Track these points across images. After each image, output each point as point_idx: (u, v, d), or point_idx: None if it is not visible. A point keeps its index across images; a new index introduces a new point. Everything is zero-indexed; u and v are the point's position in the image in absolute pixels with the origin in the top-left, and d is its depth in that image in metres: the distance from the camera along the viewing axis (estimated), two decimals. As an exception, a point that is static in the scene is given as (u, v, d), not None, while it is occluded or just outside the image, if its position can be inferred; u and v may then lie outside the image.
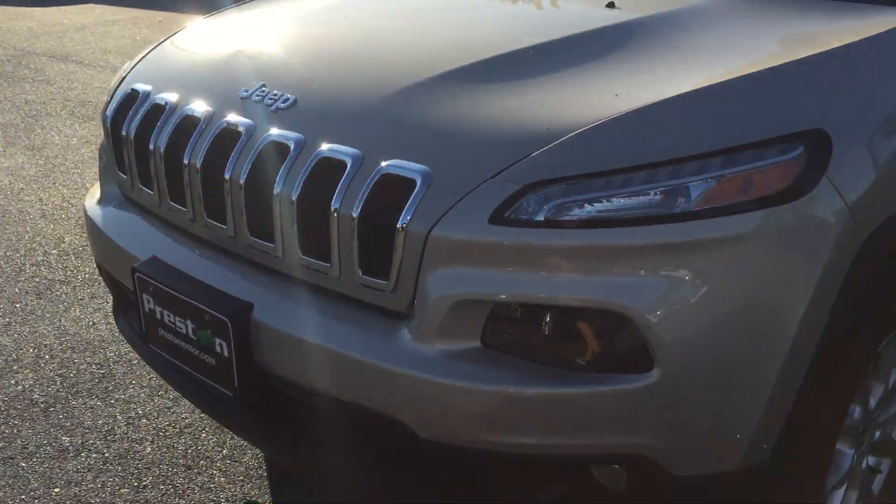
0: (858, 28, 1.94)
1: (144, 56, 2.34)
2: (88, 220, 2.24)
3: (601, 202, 1.47)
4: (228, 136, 1.81)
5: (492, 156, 1.54)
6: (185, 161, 1.86)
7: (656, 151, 1.51)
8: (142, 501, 2.24)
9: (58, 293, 3.35)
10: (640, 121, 1.56)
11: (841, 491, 1.93)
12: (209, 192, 1.84)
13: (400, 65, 1.93)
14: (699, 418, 1.54)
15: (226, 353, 1.74)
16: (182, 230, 1.98)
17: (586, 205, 1.46)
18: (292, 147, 1.69)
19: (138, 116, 2.03)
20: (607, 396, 1.48)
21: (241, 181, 1.74)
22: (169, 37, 2.45)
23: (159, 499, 2.25)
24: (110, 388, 2.74)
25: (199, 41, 2.39)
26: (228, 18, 2.55)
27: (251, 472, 2.35)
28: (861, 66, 1.80)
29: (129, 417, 2.59)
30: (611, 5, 2.15)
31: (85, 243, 3.70)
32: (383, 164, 1.58)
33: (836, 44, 1.81)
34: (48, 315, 3.18)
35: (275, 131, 1.74)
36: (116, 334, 2.95)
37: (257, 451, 2.43)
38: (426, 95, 1.73)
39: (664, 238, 1.45)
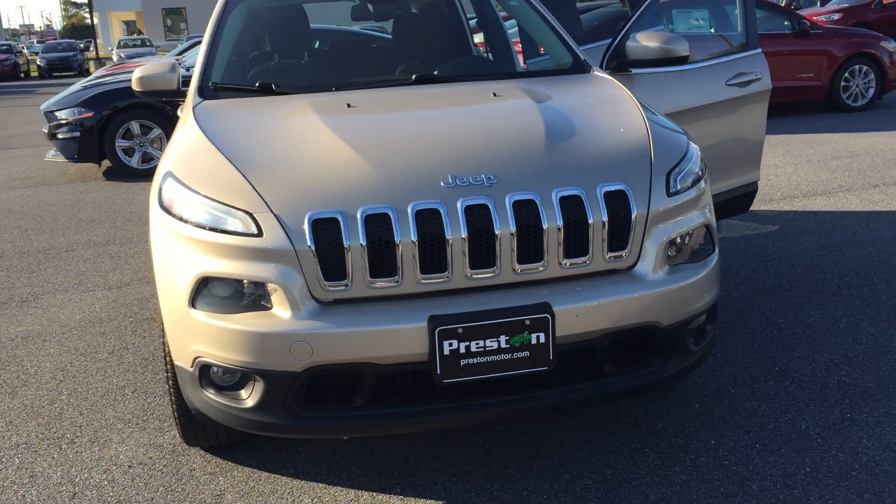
0: (600, 84, 3.70)
1: (281, 190, 2.68)
2: (314, 335, 2.54)
3: (687, 175, 2.95)
4: (475, 211, 2.57)
5: (637, 167, 2.84)
6: (448, 237, 2.55)
7: (675, 150, 3.03)
8: None
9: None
10: (657, 135, 3.05)
11: None
12: (471, 250, 2.60)
13: (511, 139, 2.96)
14: (719, 272, 3.13)
15: (542, 341, 2.60)
16: (429, 293, 2.62)
17: (686, 177, 2.94)
18: (537, 200, 2.65)
19: (359, 229, 2.54)
20: (712, 272, 2.96)
21: (511, 231, 2.62)
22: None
23: None
24: None
25: (303, 162, 2.84)
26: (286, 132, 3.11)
27: None
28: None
29: None
30: (494, 94, 3.49)
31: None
32: (598, 189, 2.70)
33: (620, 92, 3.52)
34: None
35: (511, 195, 2.60)
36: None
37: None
38: (560, 148, 2.88)
39: (704, 189, 3.02)
